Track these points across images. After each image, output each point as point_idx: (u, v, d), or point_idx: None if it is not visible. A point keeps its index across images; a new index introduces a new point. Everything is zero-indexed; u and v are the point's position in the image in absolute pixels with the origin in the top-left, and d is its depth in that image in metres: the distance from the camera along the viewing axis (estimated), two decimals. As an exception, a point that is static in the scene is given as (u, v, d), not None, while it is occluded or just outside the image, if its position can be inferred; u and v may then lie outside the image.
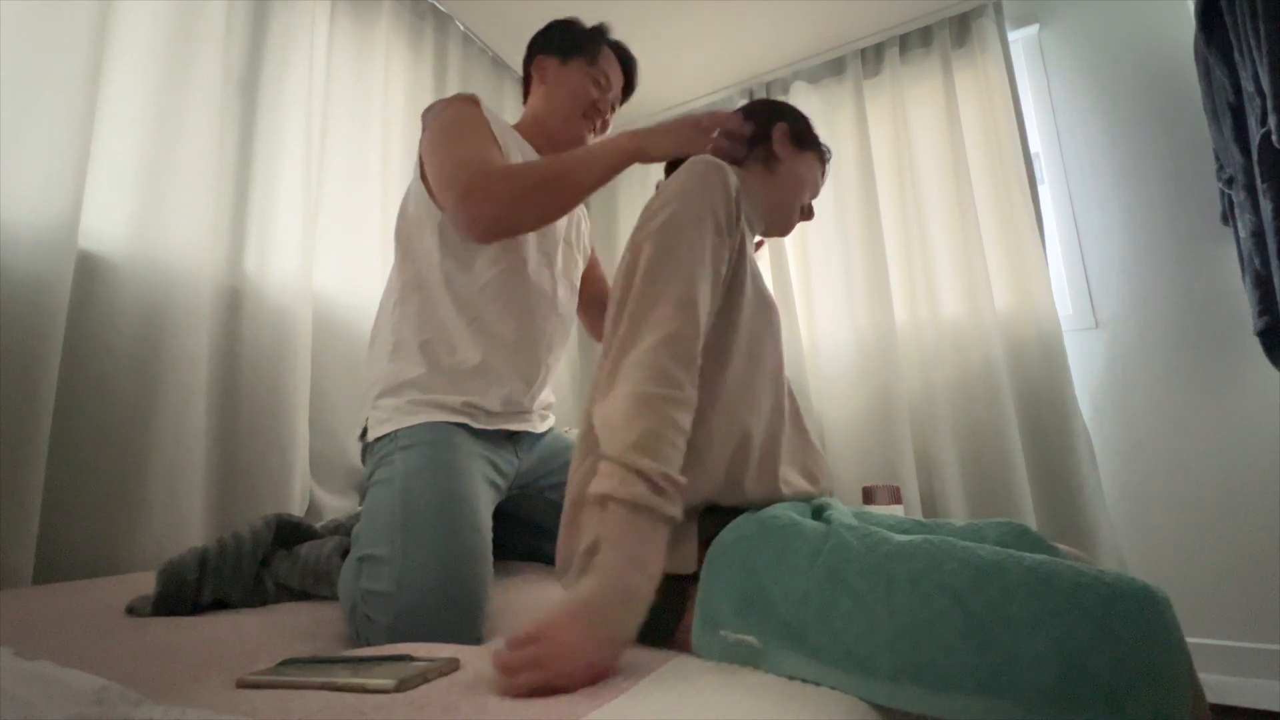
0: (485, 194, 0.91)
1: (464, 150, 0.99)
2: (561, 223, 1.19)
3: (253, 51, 1.48)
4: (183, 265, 1.24)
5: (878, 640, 0.53)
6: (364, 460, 1.01)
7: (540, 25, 1.27)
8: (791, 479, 0.78)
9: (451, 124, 1.03)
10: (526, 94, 1.28)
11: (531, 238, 1.10)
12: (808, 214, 1.01)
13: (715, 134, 0.95)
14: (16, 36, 1.03)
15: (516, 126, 1.21)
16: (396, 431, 0.94)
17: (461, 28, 2.08)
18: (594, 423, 0.66)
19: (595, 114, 1.22)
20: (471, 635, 0.79)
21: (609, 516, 0.59)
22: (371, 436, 0.98)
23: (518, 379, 1.06)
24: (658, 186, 0.86)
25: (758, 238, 0.99)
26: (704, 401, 0.71)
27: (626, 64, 1.28)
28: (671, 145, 0.94)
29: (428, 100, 1.91)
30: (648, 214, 0.77)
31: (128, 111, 1.22)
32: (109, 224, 1.18)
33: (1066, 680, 0.46)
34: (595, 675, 0.54)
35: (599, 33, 1.25)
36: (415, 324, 1.02)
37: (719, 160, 0.80)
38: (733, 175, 0.79)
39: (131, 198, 1.21)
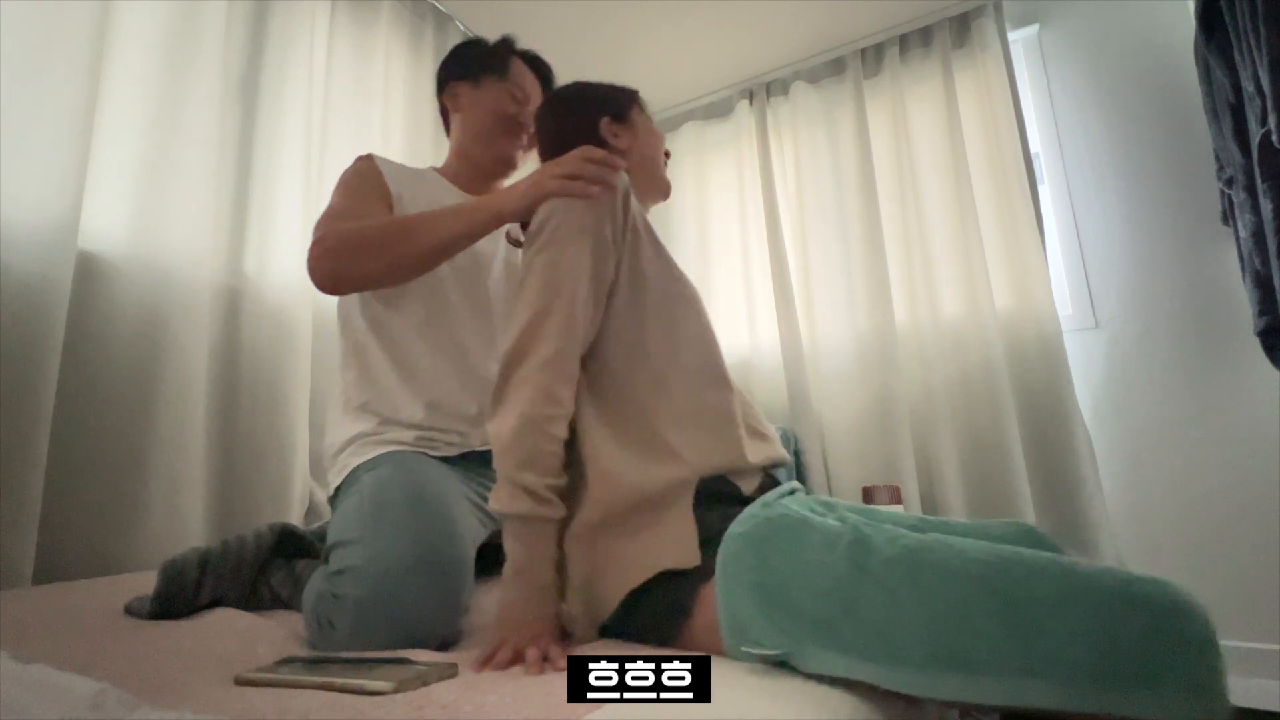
0: (324, 249, 0.91)
1: (334, 206, 0.99)
2: (496, 256, 1.12)
3: (253, 51, 1.48)
4: (183, 265, 1.24)
5: (908, 628, 0.53)
6: (334, 506, 0.97)
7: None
8: (749, 442, 0.79)
9: (340, 185, 1.04)
10: (448, 129, 1.23)
11: (449, 281, 1.05)
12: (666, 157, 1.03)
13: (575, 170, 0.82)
14: (16, 36, 1.03)
15: (442, 169, 1.19)
16: (359, 464, 0.92)
17: (461, 28, 2.08)
18: (489, 436, 0.73)
19: (518, 129, 1.17)
20: (450, 612, 0.76)
21: (507, 529, 0.69)
22: (335, 485, 0.96)
23: (470, 424, 1.02)
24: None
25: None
26: (643, 391, 0.77)
27: (541, 72, 1.23)
28: (520, 194, 0.84)
29: (428, 100, 1.90)
30: (534, 227, 0.80)
31: (128, 111, 1.22)
32: (109, 224, 1.18)
33: (1100, 656, 0.46)
34: (544, 647, 0.63)
35: (505, 46, 1.21)
36: (357, 389, 1.01)
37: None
38: (622, 177, 0.82)
39: (131, 198, 1.21)
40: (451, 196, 1.12)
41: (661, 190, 1.00)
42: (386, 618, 0.72)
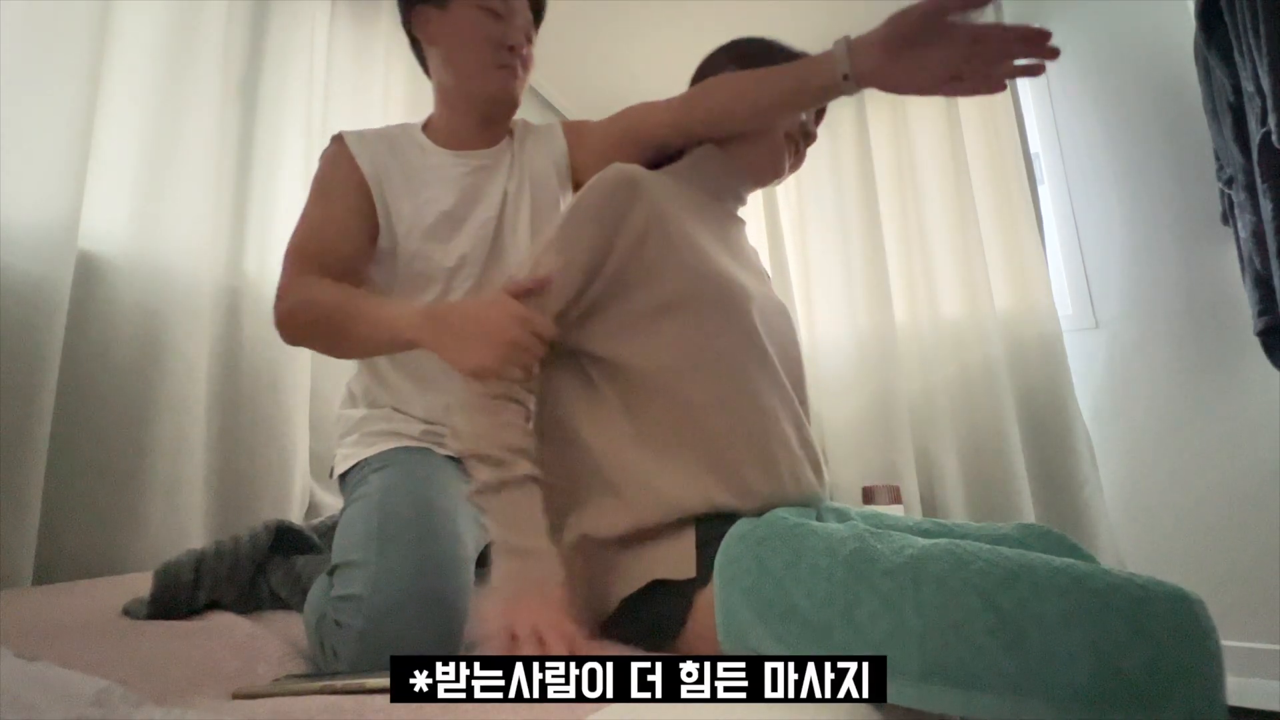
0: (278, 316, 0.90)
1: (306, 221, 0.96)
2: (475, 248, 1.01)
3: (253, 51, 1.48)
4: (183, 265, 1.24)
5: (905, 640, 0.52)
6: (342, 493, 0.97)
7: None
8: (799, 476, 0.75)
9: (316, 181, 0.99)
10: (425, 68, 1.06)
11: (447, 285, 0.99)
12: (809, 137, 0.95)
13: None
14: (16, 36, 1.03)
15: (426, 125, 1.05)
16: (367, 459, 0.92)
17: (461, 28, 2.08)
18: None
19: (509, 54, 0.98)
20: (451, 644, 0.75)
21: (481, 508, 0.67)
22: (341, 470, 0.96)
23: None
24: None
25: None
26: (673, 411, 0.72)
27: None
28: (418, 326, 0.78)
29: (429, 100, 1.90)
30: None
31: (128, 111, 1.21)
32: (109, 224, 1.18)
33: (1099, 680, 0.45)
34: (565, 635, 0.58)
35: None
36: (358, 377, 1.03)
37: (630, 172, 0.77)
38: (645, 184, 0.76)
39: (131, 198, 1.21)
40: (435, 159, 1.00)
41: (769, 173, 0.93)
42: (389, 648, 0.71)
